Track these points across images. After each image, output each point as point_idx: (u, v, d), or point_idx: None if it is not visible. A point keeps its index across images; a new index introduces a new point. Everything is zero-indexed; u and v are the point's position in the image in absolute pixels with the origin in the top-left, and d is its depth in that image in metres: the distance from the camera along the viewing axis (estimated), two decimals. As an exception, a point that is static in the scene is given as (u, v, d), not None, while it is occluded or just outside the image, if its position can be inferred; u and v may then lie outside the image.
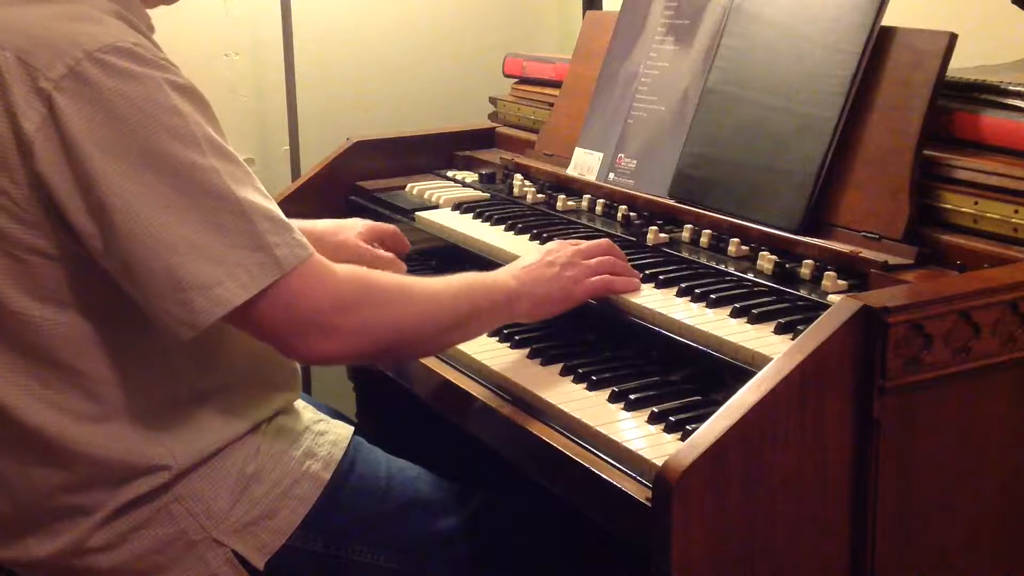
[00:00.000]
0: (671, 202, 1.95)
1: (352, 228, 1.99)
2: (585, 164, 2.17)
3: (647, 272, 1.74)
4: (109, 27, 1.39)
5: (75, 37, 1.36)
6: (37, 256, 1.41)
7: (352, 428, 1.68)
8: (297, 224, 1.44)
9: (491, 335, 1.74)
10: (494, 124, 2.64)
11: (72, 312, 1.44)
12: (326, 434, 1.64)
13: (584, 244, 1.72)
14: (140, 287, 1.37)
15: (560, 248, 1.70)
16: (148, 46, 1.41)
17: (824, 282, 1.60)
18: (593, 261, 1.68)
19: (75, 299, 1.44)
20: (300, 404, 1.69)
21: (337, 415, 1.82)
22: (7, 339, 1.45)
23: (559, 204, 2.11)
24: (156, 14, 1.56)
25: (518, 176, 2.31)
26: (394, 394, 1.96)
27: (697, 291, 1.64)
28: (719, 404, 1.23)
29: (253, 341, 1.51)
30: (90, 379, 1.46)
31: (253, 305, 1.38)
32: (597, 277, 1.67)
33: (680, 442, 1.34)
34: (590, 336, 1.72)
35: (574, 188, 2.16)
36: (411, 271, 1.97)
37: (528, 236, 2.00)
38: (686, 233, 1.87)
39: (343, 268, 1.47)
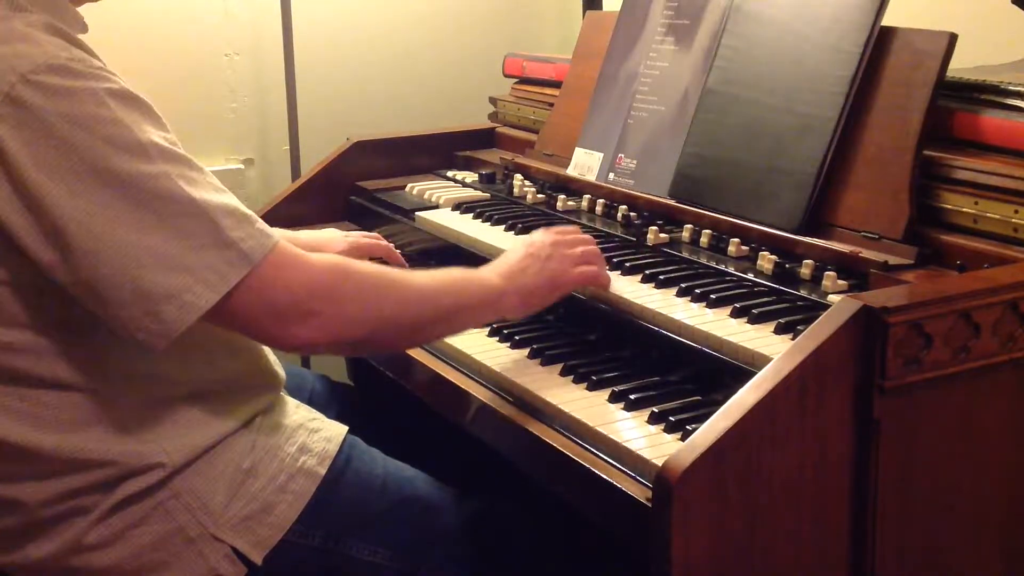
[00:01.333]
0: (671, 202, 1.95)
1: (335, 242, 1.97)
2: (585, 164, 2.17)
3: (647, 272, 1.74)
4: (41, 44, 1.36)
5: (7, 61, 1.34)
6: None
7: (346, 428, 1.68)
8: (278, 233, 1.44)
9: (491, 335, 1.74)
10: (494, 124, 2.64)
11: (42, 331, 1.42)
12: (320, 431, 1.64)
13: (557, 232, 1.69)
14: (108, 305, 1.36)
15: (540, 239, 1.67)
16: (81, 57, 1.38)
17: (824, 282, 1.60)
18: (577, 251, 1.67)
19: (42, 319, 1.42)
20: (294, 403, 1.69)
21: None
22: None
23: (559, 204, 2.11)
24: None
25: (518, 176, 2.31)
26: (394, 394, 1.96)
27: (697, 291, 1.64)
28: (719, 404, 1.23)
29: (234, 336, 1.49)
30: (72, 389, 1.45)
31: (226, 302, 1.38)
32: (584, 267, 1.66)
33: (680, 442, 1.34)
34: (590, 336, 1.72)
35: (574, 188, 2.16)
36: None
37: (528, 236, 1.99)
38: (686, 233, 1.87)
39: (318, 256, 1.47)
